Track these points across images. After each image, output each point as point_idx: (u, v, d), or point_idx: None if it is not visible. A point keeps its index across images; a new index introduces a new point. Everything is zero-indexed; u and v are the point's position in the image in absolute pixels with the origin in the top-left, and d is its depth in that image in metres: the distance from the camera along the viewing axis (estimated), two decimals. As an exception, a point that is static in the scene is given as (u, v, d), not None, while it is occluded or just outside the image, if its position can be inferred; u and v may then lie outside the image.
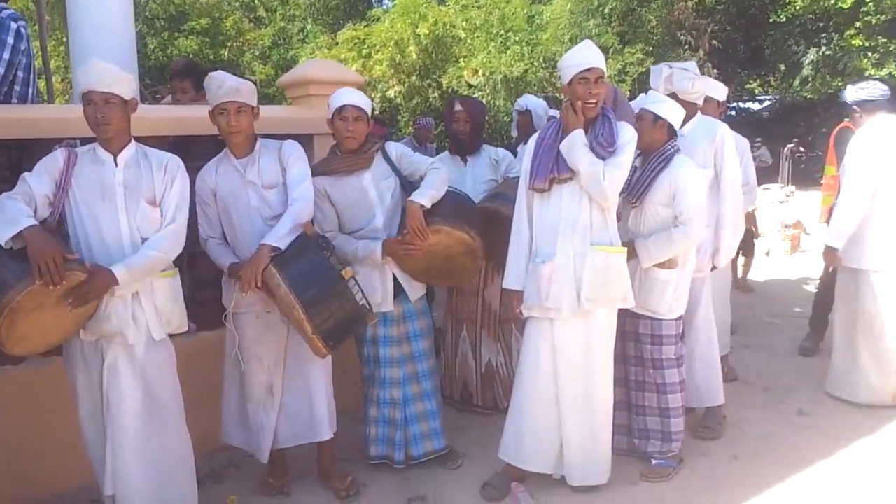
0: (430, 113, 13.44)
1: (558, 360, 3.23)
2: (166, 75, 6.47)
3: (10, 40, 3.43)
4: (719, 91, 4.60)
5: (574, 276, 3.16)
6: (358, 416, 3.77)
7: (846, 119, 5.90)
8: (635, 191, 3.46)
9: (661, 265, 3.43)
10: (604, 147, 3.10)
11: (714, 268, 3.99)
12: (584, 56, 3.13)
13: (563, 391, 3.25)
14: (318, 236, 3.10)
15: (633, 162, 3.48)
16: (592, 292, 3.15)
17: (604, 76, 3.14)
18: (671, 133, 3.51)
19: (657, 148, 3.49)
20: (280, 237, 2.97)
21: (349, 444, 3.70)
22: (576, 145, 3.11)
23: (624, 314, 3.39)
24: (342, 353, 3.33)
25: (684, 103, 3.78)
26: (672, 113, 3.50)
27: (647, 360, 3.53)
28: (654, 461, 3.56)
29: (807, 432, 4.02)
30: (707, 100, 4.23)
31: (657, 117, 3.47)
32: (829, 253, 4.39)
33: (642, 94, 5.42)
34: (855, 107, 4.42)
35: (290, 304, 2.87)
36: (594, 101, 3.11)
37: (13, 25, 3.46)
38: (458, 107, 4.24)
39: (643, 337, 3.52)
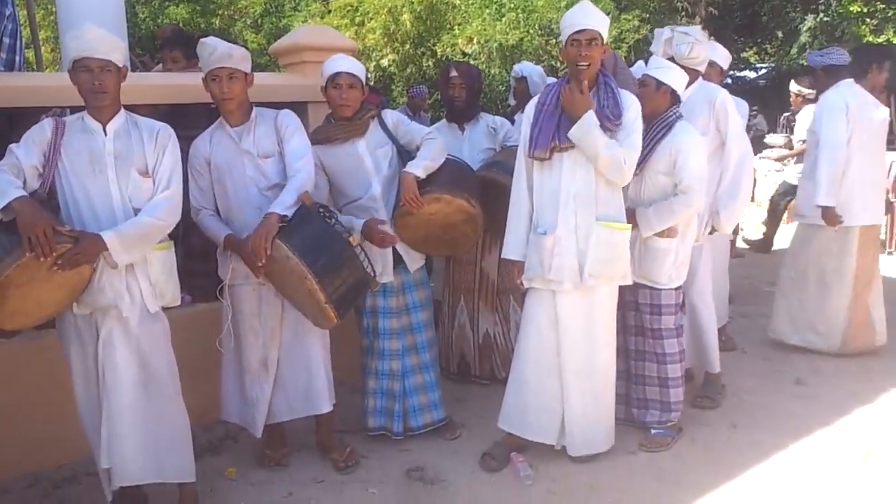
0: (424, 82, 13.27)
1: (560, 330, 3.21)
2: (157, 45, 6.35)
3: (-5, 6, 3.34)
4: (723, 57, 4.54)
5: (577, 249, 3.12)
6: (356, 386, 3.75)
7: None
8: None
9: (661, 234, 3.39)
10: (611, 119, 3.03)
11: (713, 231, 3.94)
12: (577, 17, 3.06)
13: (566, 361, 3.23)
14: (320, 205, 3.04)
15: None
16: (595, 268, 3.13)
17: (598, 38, 3.04)
18: (674, 99, 3.45)
19: (659, 114, 3.43)
20: (286, 206, 2.91)
21: (347, 415, 3.69)
22: (591, 131, 3.01)
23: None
24: (338, 324, 3.30)
25: (684, 69, 3.73)
26: (675, 79, 3.44)
27: (647, 330, 3.51)
28: (653, 431, 3.55)
29: (805, 401, 4.02)
30: (710, 64, 4.17)
31: (660, 83, 3.41)
32: (828, 212, 4.45)
33: (640, 62, 5.35)
34: (820, 71, 4.76)
35: (302, 274, 2.80)
36: (585, 63, 3.03)
37: (-3, -9, 3.37)
38: (453, 73, 4.16)
39: (643, 307, 3.50)
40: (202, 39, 3.08)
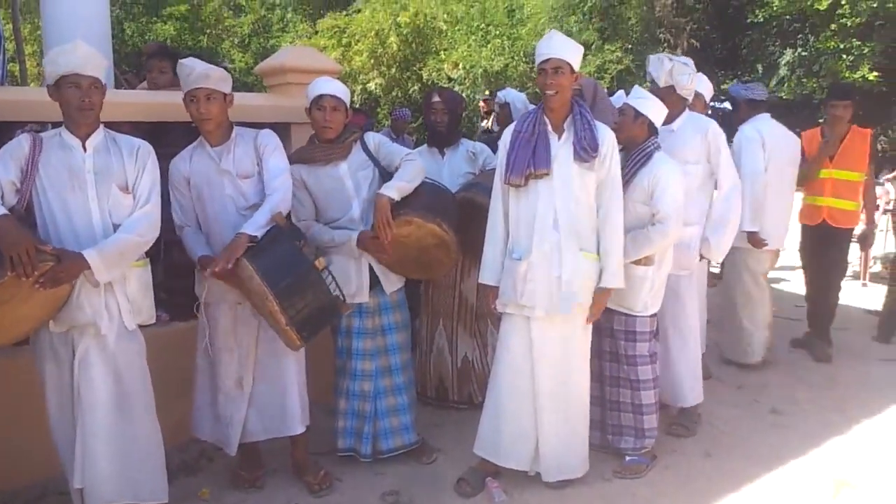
0: (409, 106, 13.38)
1: (535, 355, 3.22)
2: (142, 61, 6.36)
3: (-20, 20, 3.34)
4: (707, 89, 4.66)
5: (549, 275, 3.14)
6: (330, 408, 3.73)
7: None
8: None
9: (637, 262, 3.42)
10: (587, 151, 3.08)
11: (702, 258, 4.02)
12: (543, 46, 3.12)
13: (540, 386, 3.23)
14: (290, 226, 3.05)
15: None
16: (581, 297, 3.16)
17: (564, 67, 3.07)
18: (651, 130, 3.50)
19: (637, 144, 3.48)
20: (258, 227, 2.92)
21: (321, 436, 3.66)
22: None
23: None
24: (314, 345, 3.29)
25: (676, 98, 3.78)
26: (655, 111, 3.49)
27: (622, 357, 3.53)
28: (627, 458, 3.56)
29: (780, 431, 4.05)
30: (696, 95, 4.27)
31: (638, 114, 3.46)
32: (753, 237, 4.76)
33: (620, 91, 5.42)
34: (743, 103, 5.04)
35: (263, 295, 2.81)
36: (552, 91, 3.08)
37: (-17, 5, 3.36)
38: (435, 98, 4.20)
39: (617, 333, 3.52)
40: (181, 60, 3.09)
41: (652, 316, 3.53)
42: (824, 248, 5.26)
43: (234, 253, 2.84)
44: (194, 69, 3.02)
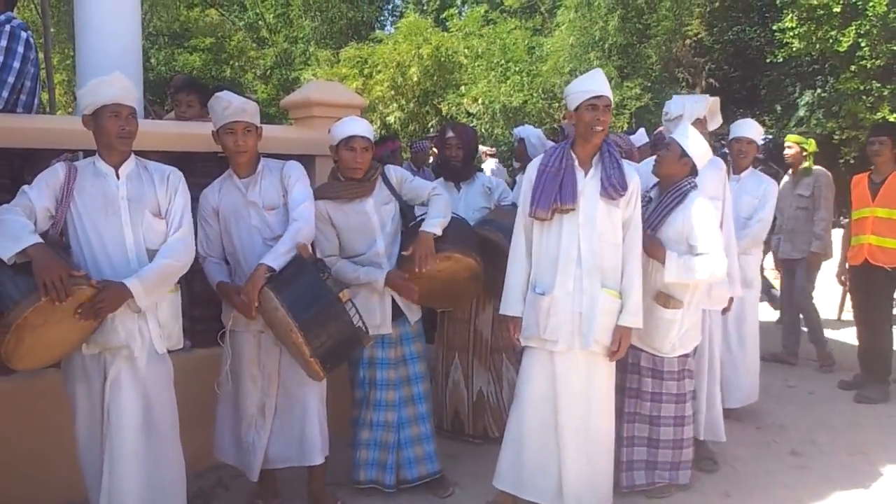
0: (427, 139, 13.49)
1: (558, 390, 3.21)
2: (169, 92, 6.49)
3: (21, 49, 3.45)
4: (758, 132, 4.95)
5: (572, 311, 3.15)
6: (346, 439, 3.73)
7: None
8: (649, 224, 3.44)
9: (666, 304, 3.40)
10: (616, 189, 3.11)
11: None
12: (595, 83, 3.16)
13: (563, 422, 3.22)
14: (314, 258, 3.09)
15: (648, 193, 3.52)
16: (603, 336, 3.16)
17: (611, 105, 3.16)
18: (692, 172, 3.48)
19: (674, 182, 3.47)
20: (277, 257, 2.97)
21: (338, 468, 3.66)
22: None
23: None
24: (334, 377, 3.32)
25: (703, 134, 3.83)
26: (702, 154, 3.46)
27: (646, 393, 3.51)
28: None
29: (799, 472, 4.00)
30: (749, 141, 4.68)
31: (685, 153, 3.44)
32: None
33: (641, 129, 5.47)
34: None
35: (288, 327, 2.85)
36: (600, 127, 3.12)
37: (23, 35, 3.48)
38: (450, 133, 4.26)
39: (644, 370, 3.51)
40: (217, 94, 3.17)
41: (681, 356, 3.50)
42: (867, 287, 5.27)
43: (255, 287, 2.91)
44: (231, 103, 3.09)
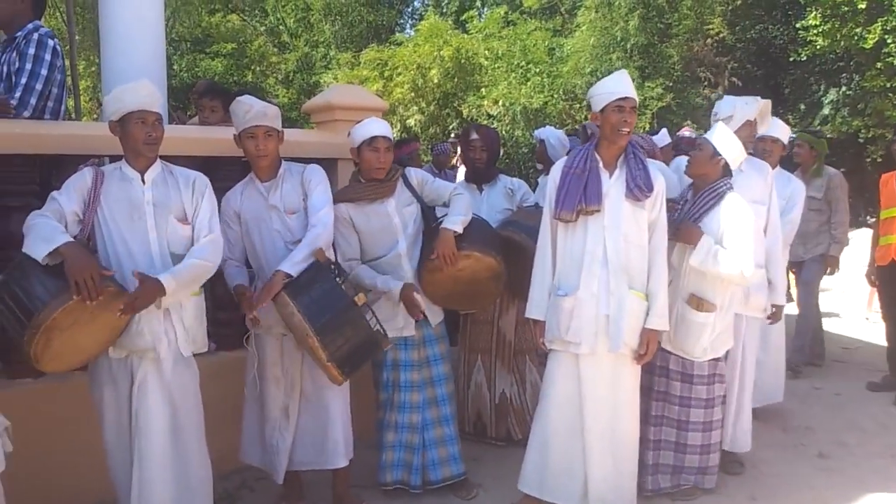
0: (449, 142, 13.50)
1: (584, 393, 3.20)
2: (192, 98, 6.56)
3: (48, 57, 3.50)
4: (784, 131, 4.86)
5: (597, 313, 3.13)
6: (370, 442, 3.74)
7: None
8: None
9: (698, 307, 3.36)
10: (642, 190, 3.10)
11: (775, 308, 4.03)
12: (621, 85, 3.14)
13: (589, 425, 3.20)
14: (330, 262, 3.11)
15: (685, 195, 3.50)
16: (629, 337, 3.14)
17: (637, 107, 3.15)
18: (725, 171, 3.43)
19: (709, 182, 3.43)
20: (295, 263, 2.99)
21: (361, 470, 3.67)
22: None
23: None
24: (358, 380, 3.33)
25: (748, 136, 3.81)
26: (735, 153, 3.42)
27: (674, 397, 3.47)
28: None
29: (827, 475, 3.95)
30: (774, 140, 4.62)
31: (716, 153, 3.40)
32: None
33: (664, 129, 5.43)
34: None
35: (304, 332, 2.87)
36: (627, 129, 3.11)
37: (50, 43, 3.53)
38: (474, 135, 4.26)
39: (672, 373, 3.47)
40: (238, 98, 3.19)
41: (713, 360, 3.46)
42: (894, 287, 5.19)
43: (269, 292, 2.93)
44: (253, 107, 3.11)
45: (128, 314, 2.60)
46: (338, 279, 3.02)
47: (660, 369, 3.49)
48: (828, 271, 5.80)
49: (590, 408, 3.19)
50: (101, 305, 2.54)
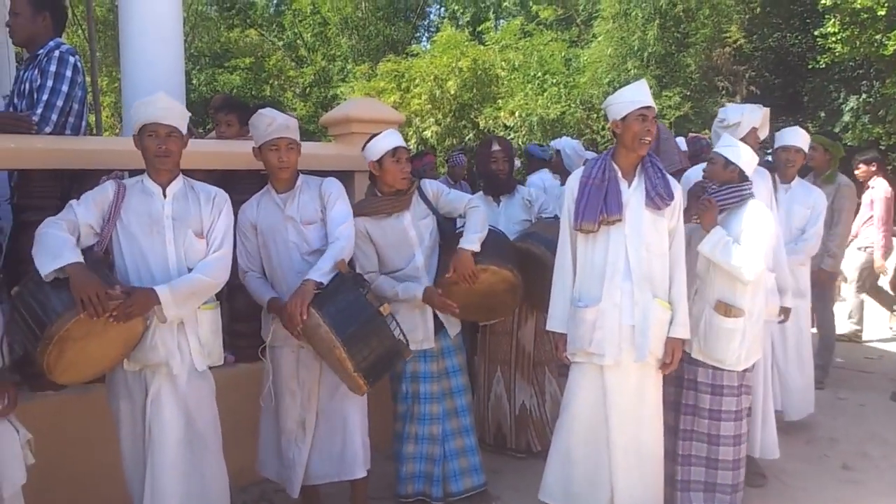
0: (465, 153, 13.53)
1: (609, 405, 3.16)
2: (209, 112, 6.63)
3: (69, 74, 3.54)
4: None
5: (620, 323, 3.11)
6: (387, 453, 3.74)
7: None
8: None
9: (727, 313, 3.31)
10: (663, 198, 3.08)
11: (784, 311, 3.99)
12: (644, 94, 3.13)
13: (614, 437, 3.16)
14: (353, 274, 3.11)
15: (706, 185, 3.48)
16: (656, 346, 3.12)
17: (656, 116, 3.14)
18: (742, 177, 3.40)
19: (731, 183, 3.39)
20: (323, 273, 2.99)
21: (379, 481, 3.67)
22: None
23: (682, 359, 3.28)
24: (372, 390, 3.32)
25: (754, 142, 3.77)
26: (747, 160, 3.38)
27: (703, 410, 3.39)
28: None
29: (852, 487, 3.89)
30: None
31: (728, 162, 3.37)
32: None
33: (680, 138, 5.41)
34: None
35: (332, 343, 2.86)
36: (650, 138, 3.10)
37: (71, 59, 3.58)
38: (496, 147, 4.26)
39: (701, 386, 3.39)
40: (259, 111, 3.21)
41: (743, 371, 3.39)
42: None
43: (304, 300, 2.90)
44: (275, 119, 3.13)
45: (120, 321, 2.58)
46: (361, 289, 3.02)
47: (688, 382, 3.43)
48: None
49: (615, 419, 3.16)
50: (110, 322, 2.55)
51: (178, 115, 2.84)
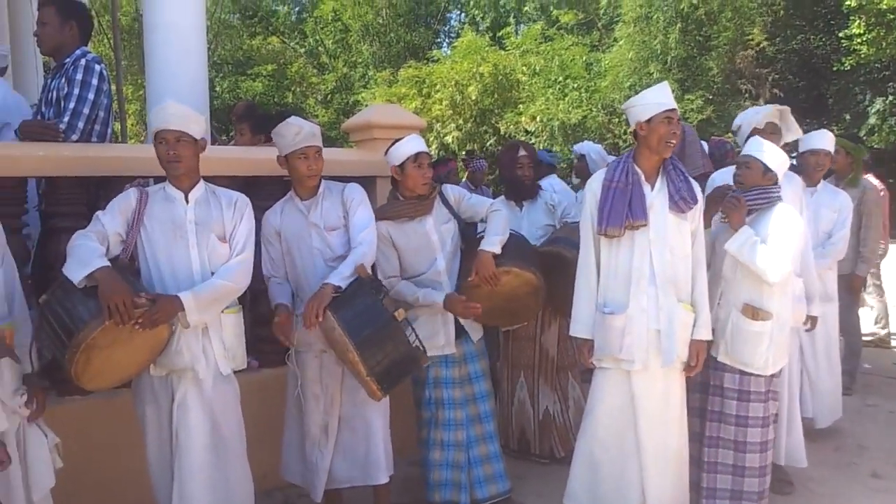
0: (486, 158, 13.53)
1: (638, 409, 3.14)
2: (231, 120, 6.71)
3: (95, 82, 3.59)
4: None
5: (647, 328, 3.08)
6: (410, 458, 3.73)
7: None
8: None
9: (754, 316, 3.27)
10: (687, 202, 3.07)
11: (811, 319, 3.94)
12: (668, 97, 3.10)
13: (644, 442, 3.14)
14: (371, 279, 3.12)
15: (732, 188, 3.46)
16: (682, 350, 3.10)
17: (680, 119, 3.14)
18: (776, 180, 3.36)
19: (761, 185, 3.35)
20: (343, 278, 3.00)
21: (401, 487, 3.66)
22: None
23: (706, 365, 3.26)
24: (395, 395, 3.33)
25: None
26: (781, 165, 3.35)
27: (730, 417, 3.34)
28: None
29: (882, 497, 3.82)
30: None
31: (768, 169, 3.32)
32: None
33: (702, 143, 5.36)
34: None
35: (345, 347, 2.88)
36: (675, 141, 3.09)
37: (97, 68, 3.62)
38: (522, 152, 4.27)
39: (728, 392, 3.34)
40: (287, 120, 3.22)
41: (770, 375, 3.34)
42: None
43: (321, 303, 2.92)
44: (303, 128, 3.15)
45: (146, 328, 2.61)
46: (378, 294, 3.02)
47: (713, 388, 3.38)
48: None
49: (644, 424, 3.13)
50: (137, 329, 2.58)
51: (187, 120, 2.84)
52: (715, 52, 13.56)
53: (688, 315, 3.11)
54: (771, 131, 3.81)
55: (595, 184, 3.21)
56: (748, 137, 3.64)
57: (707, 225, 3.32)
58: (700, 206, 3.14)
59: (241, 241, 2.91)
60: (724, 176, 3.62)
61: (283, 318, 3.14)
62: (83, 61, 3.61)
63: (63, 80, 3.61)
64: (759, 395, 3.31)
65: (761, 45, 13.97)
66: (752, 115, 3.85)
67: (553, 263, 3.69)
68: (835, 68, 12.95)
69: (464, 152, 13.54)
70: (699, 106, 12.89)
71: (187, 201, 2.88)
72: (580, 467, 3.28)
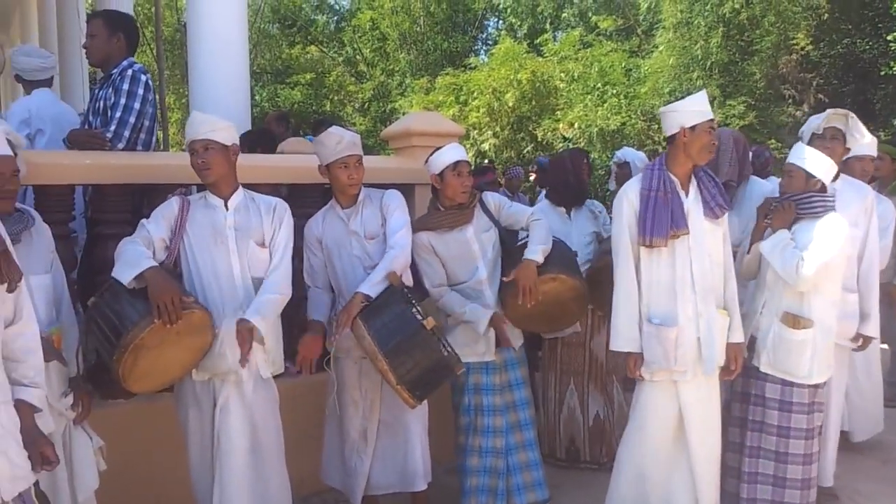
0: (522, 166, 13.50)
1: (688, 418, 3.11)
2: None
3: (141, 92, 3.66)
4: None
5: (695, 337, 3.07)
6: (448, 466, 3.72)
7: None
8: None
9: (795, 325, 3.22)
10: (722, 208, 3.07)
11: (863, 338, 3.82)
12: (707, 105, 3.08)
13: (696, 449, 3.12)
14: (402, 286, 3.12)
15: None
16: (721, 356, 3.10)
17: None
18: (823, 187, 3.29)
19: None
20: (373, 285, 3.03)
21: (439, 493, 3.64)
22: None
23: (748, 374, 3.23)
24: (434, 403, 3.32)
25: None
26: (826, 171, 3.28)
27: (771, 427, 3.28)
28: None
29: (932, 511, 3.72)
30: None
31: (810, 176, 3.26)
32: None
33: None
34: None
35: (375, 355, 2.91)
36: (713, 151, 3.10)
37: (142, 78, 3.69)
38: (586, 159, 4.33)
39: (770, 401, 3.29)
40: (328, 130, 3.25)
41: (813, 386, 3.28)
42: None
43: (350, 313, 2.97)
44: (344, 138, 3.18)
45: (242, 366, 2.76)
46: (409, 303, 3.02)
47: (755, 398, 3.33)
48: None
49: (695, 433, 3.11)
50: (186, 328, 2.63)
51: (212, 128, 2.88)
52: (757, 56, 13.31)
53: (724, 320, 3.11)
54: (832, 136, 3.69)
55: (631, 193, 3.14)
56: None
57: (757, 238, 3.31)
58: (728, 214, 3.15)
59: (281, 248, 2.97)
60: (768, 187, 3.57)
61: (310, 339, 3.17)
62: (130, 72, 3.69)
63: (110, 90, 3.69)
64: (801, 406, 3.25)
65: (805, 50, 13.69)
66: (814, 121, 3.76)
67: (610, 274, 3.66)
68: (882, 73, 12.63)
69: (488, 161, 13.54)
70: (741, 112, 12.64)
71: (227, 208, 2.93)
72: (627, 478, 3.24)
